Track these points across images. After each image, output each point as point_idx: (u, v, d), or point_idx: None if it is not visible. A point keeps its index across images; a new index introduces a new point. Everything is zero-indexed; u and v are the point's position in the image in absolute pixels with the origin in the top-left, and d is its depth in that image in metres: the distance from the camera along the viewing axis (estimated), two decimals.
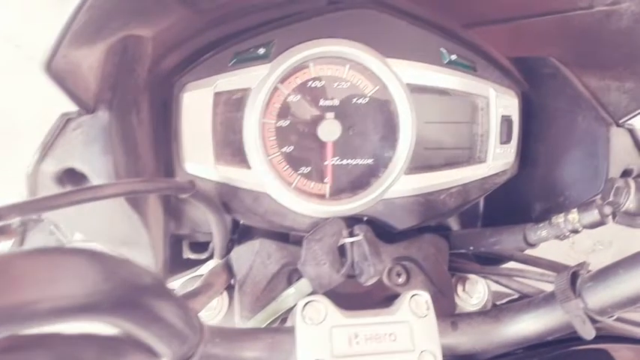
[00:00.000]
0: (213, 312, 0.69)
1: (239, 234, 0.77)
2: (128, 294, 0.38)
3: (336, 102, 0.67)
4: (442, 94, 0.70)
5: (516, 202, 0.78)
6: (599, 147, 0.65)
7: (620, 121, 0.65)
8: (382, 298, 0.69)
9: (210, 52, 0.64)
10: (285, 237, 0.71)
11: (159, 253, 0.68)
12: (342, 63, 0.66)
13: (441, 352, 0.57)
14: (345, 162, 0.68)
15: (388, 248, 0.71)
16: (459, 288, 0.75)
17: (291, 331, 0.57)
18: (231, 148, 0.65)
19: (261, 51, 0.64)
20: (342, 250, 0.65)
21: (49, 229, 0.73)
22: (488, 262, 0.82)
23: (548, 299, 0.57)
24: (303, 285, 0.65)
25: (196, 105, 0.63)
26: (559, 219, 0.59)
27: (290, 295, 0.65)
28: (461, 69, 0.69)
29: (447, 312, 0.70)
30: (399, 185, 0.69)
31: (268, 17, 0.65)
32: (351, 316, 0.58)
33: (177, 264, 0.76)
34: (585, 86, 0.68)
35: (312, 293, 0.64)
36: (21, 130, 1.92)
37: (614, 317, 0.54)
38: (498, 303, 0.83)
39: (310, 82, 0.66)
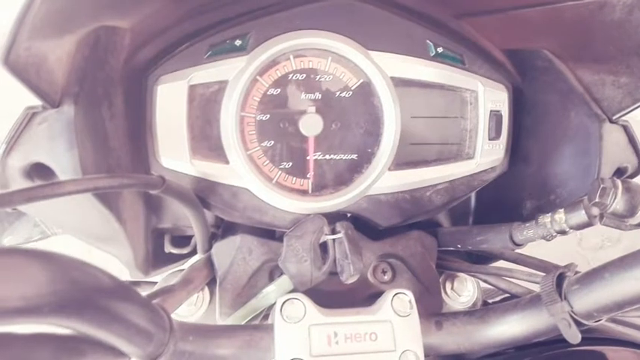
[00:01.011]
0: (194, 308, 0.68)
1: (223, 229, 0.75)
2: (80, 295, 0.37)
3: (319, 95, 0.65)
4: (428, 88, 0.67)
5: (507, 200, 0.76)
6: (591, 144, 0.63)
7: (614, 117, 0.63)
8: (366, 296, 0.68)
9: (185, 44, 0.62)
10: (270, 233, 0.70)
11: (138, 247, 0.67)
12: (323, 55, 0.64)
13: (423, 353, 0.56)
14: (327, 157, 0.66)
15: (373, 245, 0.69)
16: (448, 286, 0.74)
17: (270, 328, 0.56)
18: (208, 142, 0.63)
19: (238, 43, 0.62)
20: (324, 248, 0.64)
21: (33, 220, 0.73)
22: (480, 260, 0.80)
23: (534, 301, 0.56)
24: (284, 282, 0.64)
25: (170, 98, 0.61)
26: (545, 219, 0.57)
27: (270, 292, 0.64)
28: (448, 62, 0.67)
29: (433, 311, 0.69)
30: (383, 181, 0.67)
31: (247, 8, 0.63)
32: (330, 314, 0.57)
33: (162, 258, 0.75)
34: (579, 80, 0.65)
35: (293, 290, 0.63)
36: None
37: (601, 321, 0.52)
38: (491, 301, 0.82)
39: (291, 75, 0.64)
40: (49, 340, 0.39)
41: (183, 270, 0.68)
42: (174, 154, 0.63)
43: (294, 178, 0.66)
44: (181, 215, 0.73)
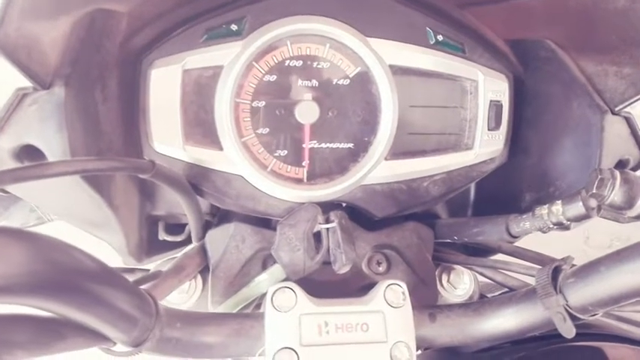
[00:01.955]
0: (186, 296, 0.68)
1: (218, 217, 0.75)
2: (59, 276, 0.36)
3: (316, 83, 0.64)
4: (427, 77, 0.66)
5: (507, 192, 0.75)
6: (592, 136, 0.61)
7: (617, 109, 0.61)
8: (361, 287, 0.67)
9: (181, 28, 0.61)
10: (265, 221, 0.69)
11: (131, 234, 0.67)
12: (321, 42, 0.63)
13: (415, 344, 0.55)
14: (323, 145, 0.65)
15: (368, 236, 0.68)
16: (444, 279, 0.73)
17: (260, 317, 0.56)
18: (202, 128, 0.62)
19: (234, 27, 0.61)
20: (318, 237, 0.63)
21: (29, 206, 0.73)
22: (478, 253, 0.79)
23: (530, 294, 0.55)
24: (276, 271, 0.63)
25: (164, 82, 0.61)
26: (542, 210, 0.56)
27: (263, 280, 0.64)
28: (448, 50, 0.66)
29: (428, 303, 0.68)
30: (379, 171, 0.66)
31: None
32: (322, 304, 0.56)
33: (157, 246, 0.75)
34: (582, 71, 0.64)
35: (286, 280, 0.62)
36: None
37: (597, 316, 0.51)
38: (490, 295, 0.81)
39: (288, 62, 0.63)
40: (27, 322, 0.38)
41: (174, 258, 0.68)
42: (167, 139, 0.62)
43: (289, 166, 0.66)
44: (176, 203, 0.73)
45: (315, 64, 0.64)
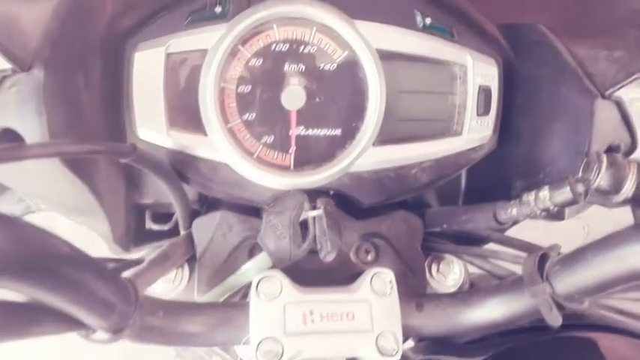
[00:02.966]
0: (172, 285, 0.67)
1: (206, 206, 0.74)
2: (29, 259, 0.35)
3: (302, 68, 0.63)
4: (416, 61, 0.65)
5: (498, 180, 0.74)
6: (582, 121, 0.60)
7: (607, 93, 0.60)
8: (348, 276, 0.66)
9: (165, 11, 0.60)
10: (253, 210, 0.69)
11: (117, 222, 0.66)
12: (308, 25, 0.62)
13: (401, 334, 0.55)
14: (310, 132, 0.64)
15: (357, 224, 0.67)
16: (434, 268, 0.72)
17: (245, 306, 0.55)
18: (186, 113, 0.61)
19: (218, 10, 0.60)
20: (305, 225, 0.62)
21: (18, 195, 0.72)
22: (468, 242, 0.78)
23: (517, 283, 0.54)
24: (262, 259, 0.62)
25: (147, 66, 0.59)
26: (530, 197, 0.55)
27: (249, 269, 0.63)
28: (437, 34, 0.65)
29: (417, 292, 0.68)
30: (366, 158, 0.65)
31: None
32: (307, 292, 0.56)
33: (144, 234, 0.74)
34: (573, 55, 0.63)
35: (272, 268, 0.62)
36: None
37: (585, 304, 0.51)
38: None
39: (274, 45, 0.62)
40: (1, 306, 0.38)
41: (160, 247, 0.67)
42: (150, 124, 0.61)
43: (276, 153, 0.65)
44: (163, 191, 0.72)
45: (301, 48, 0.63)
